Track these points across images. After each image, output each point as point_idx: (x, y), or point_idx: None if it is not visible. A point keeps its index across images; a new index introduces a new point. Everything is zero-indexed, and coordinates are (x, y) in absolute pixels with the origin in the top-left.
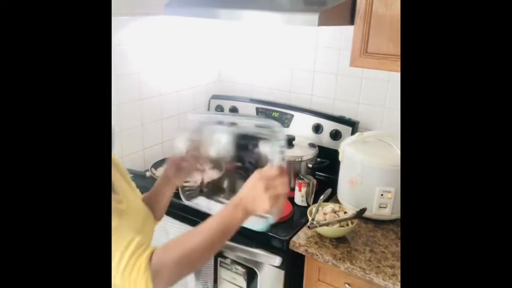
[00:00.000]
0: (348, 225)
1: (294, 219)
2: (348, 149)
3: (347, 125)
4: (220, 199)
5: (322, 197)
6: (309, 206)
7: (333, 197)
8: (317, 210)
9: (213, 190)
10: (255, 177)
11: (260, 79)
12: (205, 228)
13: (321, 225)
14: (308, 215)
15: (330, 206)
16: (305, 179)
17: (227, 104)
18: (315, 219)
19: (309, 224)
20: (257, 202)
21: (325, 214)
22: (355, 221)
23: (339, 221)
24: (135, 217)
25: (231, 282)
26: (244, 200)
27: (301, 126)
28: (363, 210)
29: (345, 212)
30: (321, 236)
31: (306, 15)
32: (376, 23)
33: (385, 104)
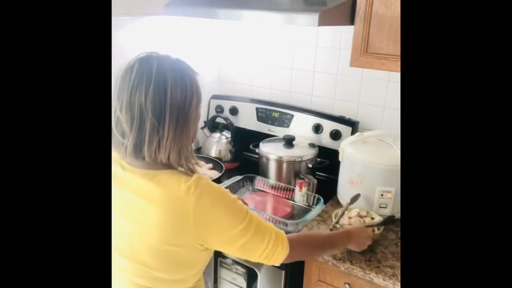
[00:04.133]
0: (374, 231)
1: (294, 219)
2: (348, 149)
3: (347, 125)
4: None
5: (349, 201)
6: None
7: (332, 197)
8: (342, 214)
9: None
10: (367, 233)
11: (260, 79)
12: (326, 238)
13: None
14: (333, 218)
15: (355, 210)
16: (305, 179)
17: (227, 104)
18: (339, 222)
19: (331, 227)
20: (358, 245)
21: (350, 218)
22: (382, 228)
23: (365, 227)
24: None
25: (231, 282)
26: (354, 237)
27: (301, 126)
28: (391, 217)
29: (372, 218)
30: None
31: (306, 15)
32: (376, 23)
33: (385, 104)
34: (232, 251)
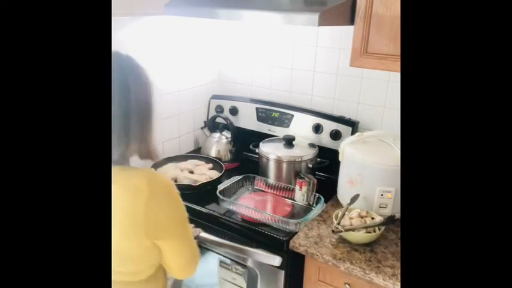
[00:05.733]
0: (374, 231)
1: (294, 218)
2: (348, 149)
3: (347, 125)
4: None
5: (349, 201)
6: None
7: (332, 197)
8: (343, 214)
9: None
10: None
11: (260, 79)
12: None
13: (346, 230)
14: (333, 219)
15: (356, 211)
16: (306, 178)
17: (227, 104)
18: (340, 223)
19: (333, 228)
20: None
21: (351, 219)
22: (383, 228)
23: (366, 227)
24: None
25: (231, 282)
26: None
27: (301, 126)
28: (391, 217)
29: (372, 218)
30: (320, 236)
31: (306, 15)
32: (376, 23)
33: (385, 104)
34: (169, 252)
